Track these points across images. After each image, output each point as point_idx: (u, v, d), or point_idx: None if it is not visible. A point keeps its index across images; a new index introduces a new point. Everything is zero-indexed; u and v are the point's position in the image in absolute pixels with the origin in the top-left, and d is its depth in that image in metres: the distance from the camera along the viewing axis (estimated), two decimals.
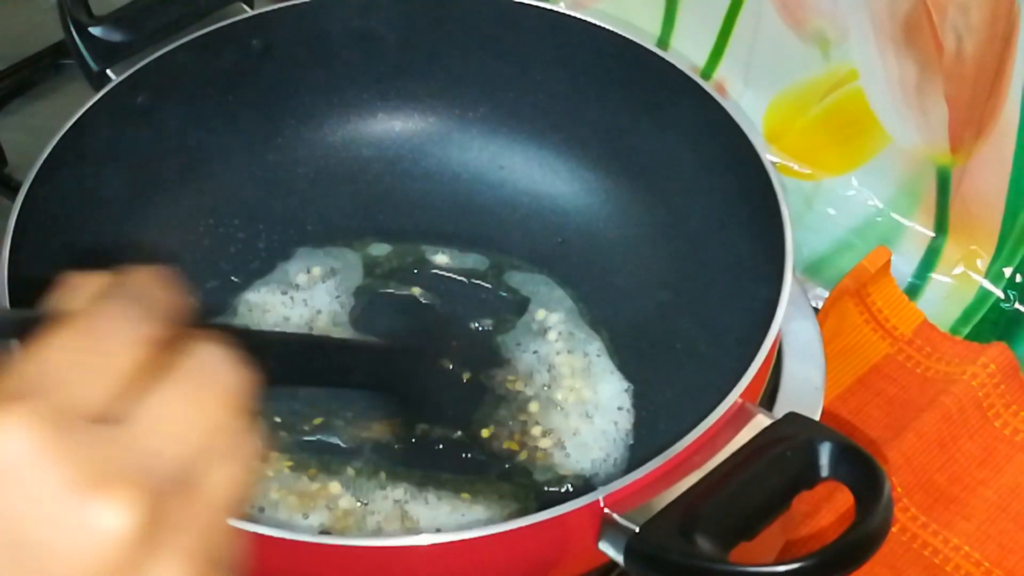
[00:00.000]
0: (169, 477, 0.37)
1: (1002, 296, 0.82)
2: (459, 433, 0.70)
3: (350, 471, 0.68)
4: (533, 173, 0.81)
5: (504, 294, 0.76)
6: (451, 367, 0.73)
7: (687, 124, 0.75)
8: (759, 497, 0.57)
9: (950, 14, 0.76)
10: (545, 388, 0.72)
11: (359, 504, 0.67)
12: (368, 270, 0.77)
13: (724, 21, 0.84)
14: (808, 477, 0.58)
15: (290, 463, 0.68)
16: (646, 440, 0.70)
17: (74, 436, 0.36)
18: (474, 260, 0.78)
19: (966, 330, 0.82)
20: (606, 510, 0.57)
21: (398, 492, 0.67)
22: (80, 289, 0.41)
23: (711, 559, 0.54)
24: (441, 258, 0.78)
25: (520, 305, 0.76)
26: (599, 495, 0.57)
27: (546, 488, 0.68)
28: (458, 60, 0.80)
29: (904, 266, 0.83)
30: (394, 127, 0.82)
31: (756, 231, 0.70)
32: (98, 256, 0.72)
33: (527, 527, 0.56)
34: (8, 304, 0.63)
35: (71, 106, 0.72)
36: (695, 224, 0.76)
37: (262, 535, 0.56)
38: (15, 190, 0.68)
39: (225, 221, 0.78)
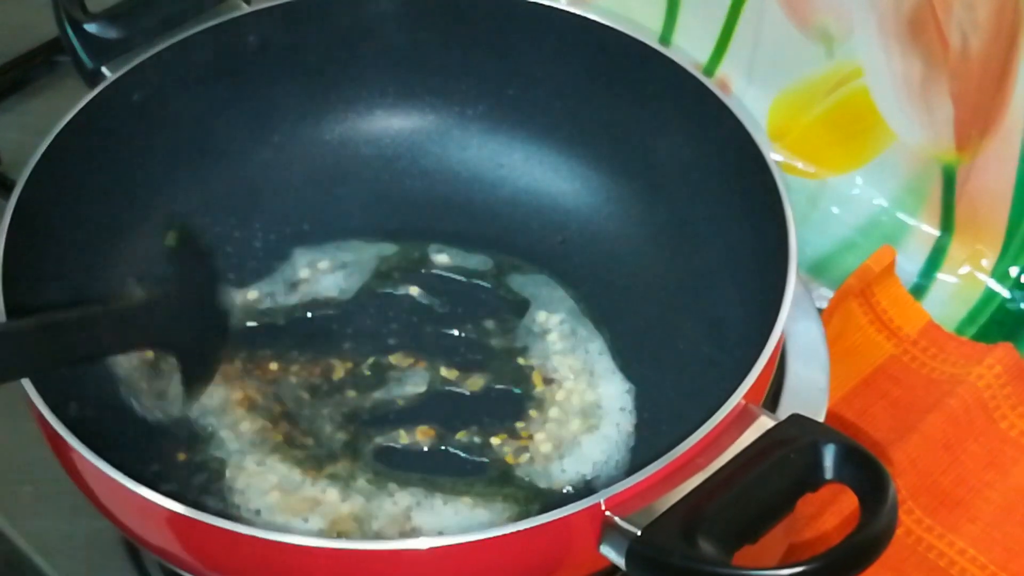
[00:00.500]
0: None
1: (1008, 296, 0.82)
2: (459, 436, 0.70)
3: (350, 474, 0.68)
4: (533, 171, 0.81)
5: (504, 294, 0.76)
6: (451, 368, 0.73)
7: (690, 122, 0.75)
8: (762, 499, 0.57)
9: (956, 11, 0.75)
10: (546, 389, 0.72)
11: (359, 507, 0.66)
12: (367, 270, 0.77)
13: (727, 17, 0.84)
14: (812, 479, 0.57)
15: (290, 465, 0.68)
16: (648, 442, 0.70)
17: None
18: (477, 261, 0.77)
19: (972, 330, 0.82)
20: (607, 513, 0.56)
21: (398, 495, 0.67)
22: None
23: (714, 562, 0.54)
24: (441, 258, 0.78)
25: (520, 305, 0.76)
26: (600, 498, 0.56)
27: (547, 490, 0.68)
28: (458, 57, 0.80)
29: (909, 266, 0.83)
30: (392, 125, 0.82)
31: (759, 230, 0.69)
32: (93, 255, 0.73)
33: (528, 530, 0.56)
34: (4, 303, 0.63)
35: (66, 104, 0.72)
36: (697, 223, 0.76)
37: (262, 539, 0.56)
38: (10, 188, 0.68)
39: (221, 220, 0.78)
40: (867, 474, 0.56)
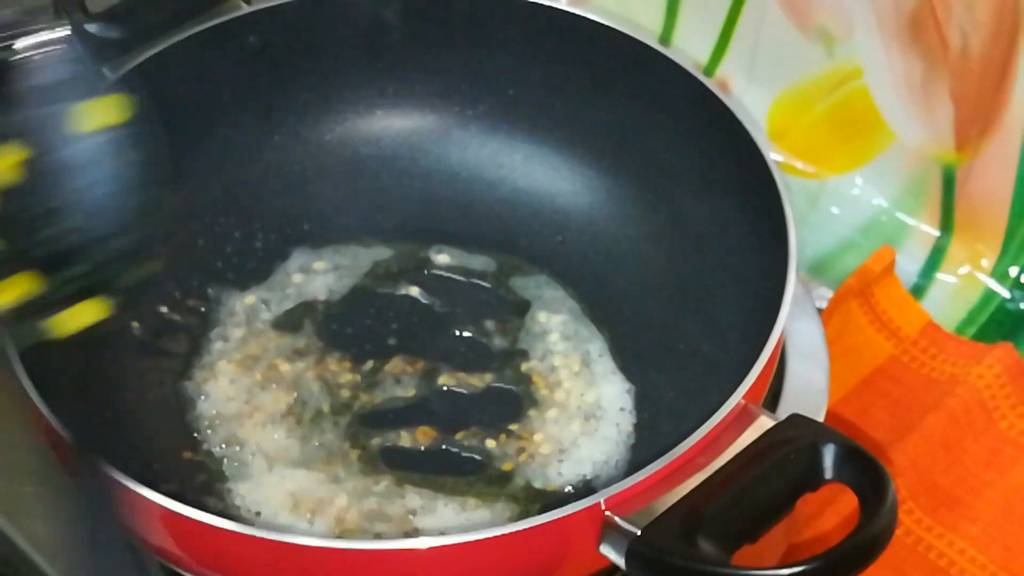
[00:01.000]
0: None
1: (1008, 296, 0.82)
2: (460, 436, 0.70)
3: (351, 474, 0.68)
4: (533, 171, 0.81)
5: (504, 294, 0.76)
6: (451, 369, 0.73)
7: (689, 122, 0.75)
8: (762, 499, 0.57)
9: (955, 11, 0.75)
10: (546, 389, 0.72)
11: (359, 508, 0.66)
12: (367, 270, 0.77)
13: (727, 18, 0.84)
14: (812, 479, 0.57)
15: (290, 465, 0.68)
16: (648, 442, 0.70)
17: None
18: (477, 261, 0.77)
19: (972, 330, 0.82)
20: (607, 513, 0.56)
21: (399, 496, 0.67)
22: None
23: (714, 562, 0.54)
24: (441, 258, 0.78)
25: (521, 305, 0.76)
26: (600, 497, 0.56)
27: (547, 490, 0.68)
28: (457, 57, 0.80)
29: (909, 266, 0.83)
30: (392, 125, 0.81)
31: (759, 230, 0.69)
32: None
33: (528, 530, 0.56)
34: None
35: None
36: (697, 223, 0.76)
37: (262, 539, 0.56)
38: None
39: (221, 220, 0.78)
40: (867, 474, 0.56)
